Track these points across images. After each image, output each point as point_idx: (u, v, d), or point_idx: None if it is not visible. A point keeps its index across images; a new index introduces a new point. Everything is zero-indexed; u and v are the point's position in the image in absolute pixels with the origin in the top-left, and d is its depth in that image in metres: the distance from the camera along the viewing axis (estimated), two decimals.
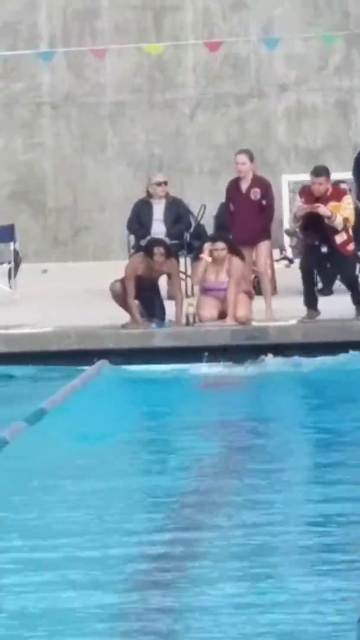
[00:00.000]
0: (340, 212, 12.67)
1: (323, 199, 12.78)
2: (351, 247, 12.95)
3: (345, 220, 12.58)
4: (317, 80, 19.76)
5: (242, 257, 12.61)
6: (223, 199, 14.48)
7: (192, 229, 14.62)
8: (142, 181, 16.44)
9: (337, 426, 10.05)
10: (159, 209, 14.14)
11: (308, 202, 12.88)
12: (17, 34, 19.75)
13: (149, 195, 14.40)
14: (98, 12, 19.57)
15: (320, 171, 13.25)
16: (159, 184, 14.43)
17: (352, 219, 12.81)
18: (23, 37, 19.70)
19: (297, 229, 13.83)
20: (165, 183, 14.61)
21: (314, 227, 12.79)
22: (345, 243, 12.77)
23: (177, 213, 14.30)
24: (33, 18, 19.88)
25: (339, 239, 12.71)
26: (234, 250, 12.47)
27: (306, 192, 13.28)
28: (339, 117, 19.73)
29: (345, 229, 12.70)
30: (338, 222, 12.56)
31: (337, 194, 13.07)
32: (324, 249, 12.63)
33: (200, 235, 14.49)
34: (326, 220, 12.50)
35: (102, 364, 12.29)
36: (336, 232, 12.77)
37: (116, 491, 8.11)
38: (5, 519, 7.37)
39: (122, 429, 10.35)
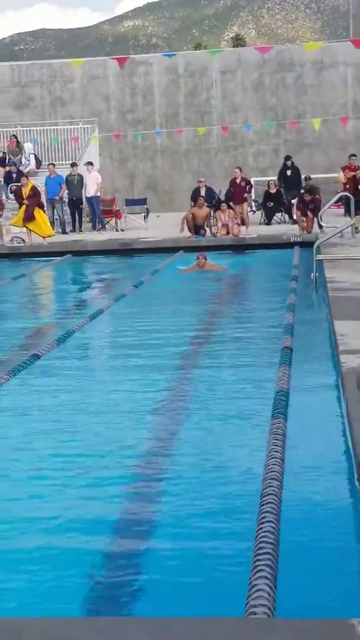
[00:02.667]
0: None
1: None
2: None
3: None
4: None
5: (234, 210, 24.26)
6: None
7: (215, 199, 25.89)
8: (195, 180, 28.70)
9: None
10: (202, 191, 25.71)
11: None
12: None
13: (198, 185, 26.40)
14: None
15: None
16: (201, 181, 26.63)
17: None
18: None
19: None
20: (203, 180, 26.67)
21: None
22: None
23: (209, 193, 25.91)
24: None
25: None
26: (230, 207, 24.17)
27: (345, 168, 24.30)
28: None
29: None
30: None
31: None
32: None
33: (218, 202, 25.21)
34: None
35: (181, 254, 21.30)
36: None
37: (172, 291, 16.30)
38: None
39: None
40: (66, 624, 3.45)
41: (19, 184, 24.69)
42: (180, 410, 8.06)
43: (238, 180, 25.31)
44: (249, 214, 25.68)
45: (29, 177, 25.48)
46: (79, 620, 3.75)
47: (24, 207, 23.55)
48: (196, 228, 23.65)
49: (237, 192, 25.33)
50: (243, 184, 25.34)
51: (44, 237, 23.65)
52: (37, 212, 23.54)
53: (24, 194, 23.70)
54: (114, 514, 5.66)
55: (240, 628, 3.37)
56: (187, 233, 23.33)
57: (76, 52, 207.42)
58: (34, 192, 23.83)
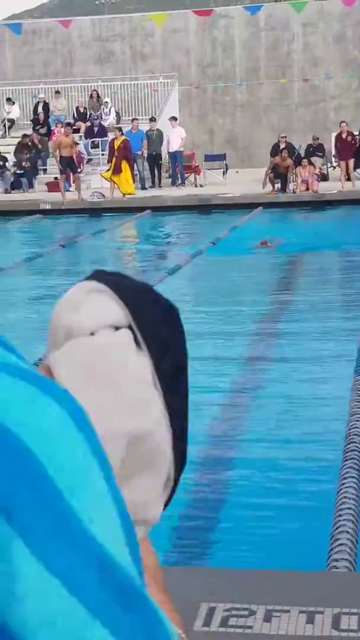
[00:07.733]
0: None
1: None
2: None
3: None
4: None
5: (314, 166, 24.55)
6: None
7: (295, 155, 25.84)
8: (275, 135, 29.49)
9: None
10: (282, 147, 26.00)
11: None
12: None
13: (279, 141, 26.60)
14: None
15: None
16: (283, 136, 26.96)
17: None
18: None
19: None
20: (285, 137, 26.91)
21: None
22: None
23: (290, 149, 25.49)
24: None
25: None
26: (310, 163, 24.40)
27: None
28: None
29: None
30: None
31: None
32: None
33: (298, 157, 25.45)
34: None
35: (260, 210, 22.13)
36: None
37: None
38: None
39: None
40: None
41: (113, 137, 25.13)
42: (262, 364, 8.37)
43: (344, 135, 24.61)
44: (329, 169, 25.25)
45: (108, 131, 25.68)
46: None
47: (114, 159, 23.95)
48: (278, 177, 23.94)
49: (343, 148, 24.64)
50: (349, 138, 24.61)
51: (124, 194, 23.93)
52: (124, 167, 23.83)
53: (115, 146, 24.20)
54: None
55: (323, 581, 3.40)
56: (269, 188, 23.63)
57: (156, 4, 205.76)
58: (124, 144, 24.17)
